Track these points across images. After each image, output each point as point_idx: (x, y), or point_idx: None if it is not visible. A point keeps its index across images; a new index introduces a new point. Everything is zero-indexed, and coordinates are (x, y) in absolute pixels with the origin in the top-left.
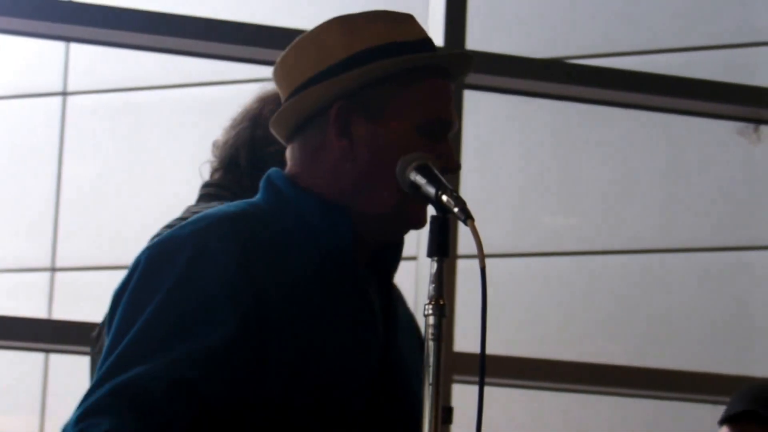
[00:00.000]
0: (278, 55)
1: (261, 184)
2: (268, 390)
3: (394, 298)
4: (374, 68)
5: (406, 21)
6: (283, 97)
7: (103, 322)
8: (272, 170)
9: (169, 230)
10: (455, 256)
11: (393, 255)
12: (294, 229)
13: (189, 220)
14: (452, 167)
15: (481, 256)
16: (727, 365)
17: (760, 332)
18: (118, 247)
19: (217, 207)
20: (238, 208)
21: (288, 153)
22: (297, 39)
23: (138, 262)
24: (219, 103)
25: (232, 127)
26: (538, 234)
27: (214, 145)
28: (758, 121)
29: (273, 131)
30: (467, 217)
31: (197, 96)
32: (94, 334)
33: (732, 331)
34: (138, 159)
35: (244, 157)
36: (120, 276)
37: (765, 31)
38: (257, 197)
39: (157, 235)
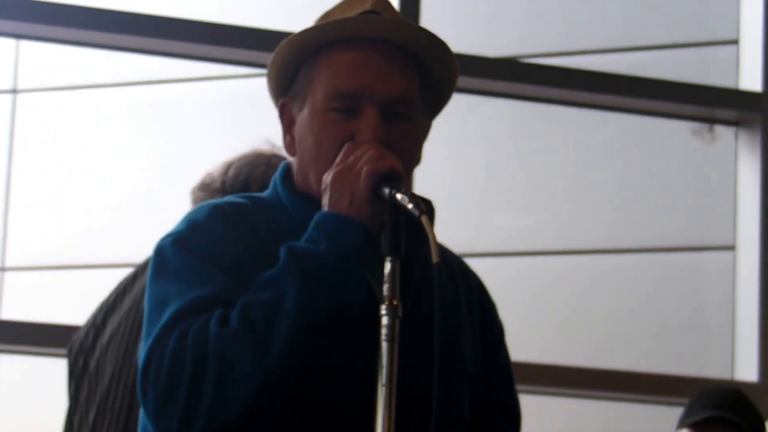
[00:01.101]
0: (237, 54)
1: (272, 178)
2: None
3: (422, 283)
4: (275, 55)
5: (365, 1)
6: None
7: (87, 326)
8: (282, 164)
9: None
10: None
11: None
12: (284, 223)
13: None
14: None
15: (435, 251)
16: (683, 366)
17: (716, 333)
18: (68, 248)
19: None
20: (235, 198)
21: None
22: None
23: (158, 249)
24: (171, 102)
25: (241, 160)
26: (494, 234)
27: (209, 176)
28: (713, 121)
29: None
30: (420, 213)
31: (148, 94)
32: (79, 336)
33: (688, 333)
34: (88, 158)
35: (255, 180)
36: (69, 276)
37: (720, 30)
38: (266, 191)
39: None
